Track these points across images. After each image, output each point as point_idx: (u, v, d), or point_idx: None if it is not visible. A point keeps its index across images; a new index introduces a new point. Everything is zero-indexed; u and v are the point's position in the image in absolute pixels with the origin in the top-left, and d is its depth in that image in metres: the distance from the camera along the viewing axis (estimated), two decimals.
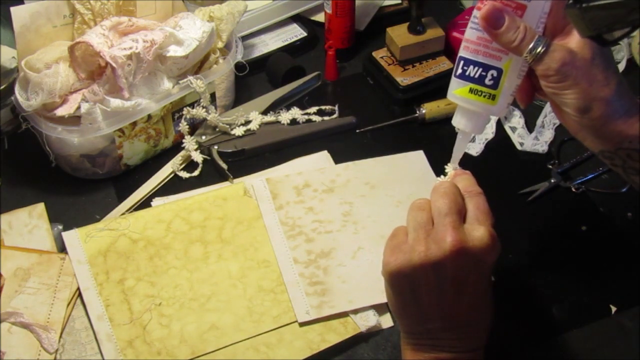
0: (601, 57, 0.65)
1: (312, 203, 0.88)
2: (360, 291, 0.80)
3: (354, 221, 0.87)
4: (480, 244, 0.62)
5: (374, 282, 0.79)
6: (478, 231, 0.63)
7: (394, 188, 0.90)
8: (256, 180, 0.90)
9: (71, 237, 0.84)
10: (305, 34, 1.12)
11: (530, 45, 0.64)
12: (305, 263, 0.83)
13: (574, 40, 0.65)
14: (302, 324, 0.78)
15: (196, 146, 0.95)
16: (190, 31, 0.90)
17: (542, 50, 0.64)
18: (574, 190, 0.89)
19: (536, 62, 0.65)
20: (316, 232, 0.86)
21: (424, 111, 0.99)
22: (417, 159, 0.94)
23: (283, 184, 0.90)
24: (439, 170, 0.74)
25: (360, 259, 0.83)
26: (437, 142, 0.97)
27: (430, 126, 0.99)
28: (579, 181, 0.90)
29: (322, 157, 0.95)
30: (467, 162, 0.93)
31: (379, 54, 1.06)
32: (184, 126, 0.94)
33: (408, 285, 0.64)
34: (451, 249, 0.61)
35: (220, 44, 0.96)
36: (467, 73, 0.67)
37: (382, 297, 0.77)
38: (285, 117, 0.99)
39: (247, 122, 0.98)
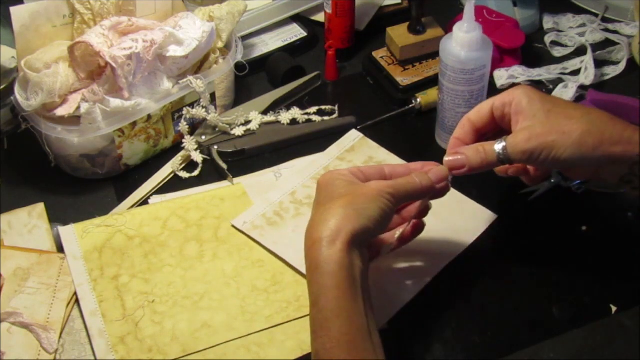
0: (552, 111, 0.72)
1: None
2: (293, 247, 0.82)
3: None
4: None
5: None
6: None
7: (429, 220, 0.85)
8: (353, 131, 0.98)
9: (67, 232, 0.85)
10: (305, 34, 1.12)
11: (497, 149, 0.72)
12: (294, 199, 0.88)
13: (522, 119, 0.73)
14: (234, 226, 0.85)
15: (196, 146, 0.95)
16: (190, 31, 0.90)
17: (504, 148, 0.72)
18: (574, 190, 0.89)
19: (508, 158, 0.73)
20: None
21: (419, 100, 0.99)
22: (483, 220, 0.88)
23: (368, 147, 0.94)
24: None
25: None
26: (433, 132, 0.98)
27: (427, 115, 1.00)
28: (579, 181, 0.89)
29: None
30: None
31: (379, 54, 1.06)
32: (183, 126, 0.94)
33: None
34: None
35: (220, 44, 0.97)
36: None
37: None
38: (285, 117, 0.99)
39: (247, 122, 0.98)
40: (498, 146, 0.72)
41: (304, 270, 0.73)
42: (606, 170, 0.75)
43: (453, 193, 0.88)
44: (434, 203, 0.86)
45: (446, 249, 0.83)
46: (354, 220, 0.66)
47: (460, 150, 0.74)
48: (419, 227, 0.77)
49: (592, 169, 0.76)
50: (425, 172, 0.73)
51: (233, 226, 0.85)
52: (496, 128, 0.77)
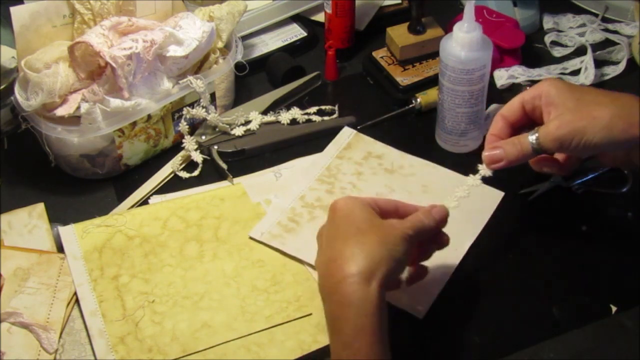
0: (581, 99, 0.73)
1: (366, 171, 0.92)
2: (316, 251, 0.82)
3: None
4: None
5: None
6: None
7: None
8: (346, 128, 0.98)
9: (67, 232, 0.85)
10: (305, 34, 1.12)
11: (530, 140, 0.74)
12: (305, 203, 0.88)
13: (552, 109, 0.75)
14: (252, 238, 0.85)
15: (196, 146, 0.95)
16: (190, 31, 0.90)
17: (537, 138, 0.74)
18: (574, 190, 0.89)
19: (541, 147, 0.75)
20: (341, 191, 0.89)
21: (419, 100, 0.99)
22: (491, 199, 0.89)
23: (364, 142, 0.96)
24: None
25: None
26: (433, 132, 0.98)
27: (427, 115, 1.00)
28: (579, 181, 0.90)
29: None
30: (467, 160, 0.94)
31: (379, 54, 1.06)
32: (183, 126, 0.94)
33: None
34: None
35: (220, 44, 0.97)
36: None
37: None
38: (285, 117, 0.99)
39: (247, 122, 0.98)
40: (532, 137, 0.74)
41: None
42: (637, 154, 0.76)
43: (457, 177, 0.91)
44: (436, 192, 0.88)
45: (463, 233, 0.84)
46: (387, 262, 0.66)
47: (498, 145, 0.77)
48: (422, 272, 0.77)
49: (623, 153, 0.77)
50: (428, 211, 0.72)
51: (251, 238, 0.85)
52: (529, 122, 0.79)
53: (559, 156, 0.81)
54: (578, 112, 0.72)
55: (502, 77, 1.04)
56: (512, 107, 0.79)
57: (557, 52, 1.10)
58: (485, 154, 0.78)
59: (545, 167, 0.80)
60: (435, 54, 1.04)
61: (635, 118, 0.71)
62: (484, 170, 0.78)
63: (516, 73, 1.04)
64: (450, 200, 0.76)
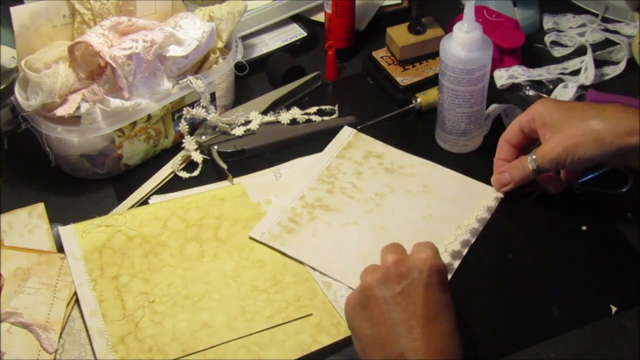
0: (569, 117, 0.79)
1: (366, 170, 0.92)
2: (316, 252, 0.83)
3: (378, 203, 0.88)
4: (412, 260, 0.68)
5: (334, 253, 0.83)
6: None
7: (440, 204, 0.88)
8: (346, 128, 0.98)
9: (67, 232, 0.85)
10: (305, 34, 1.12)
11: (529, 162, 0.82)
12: (305, 203, 0.88)
13: (547, 130, 0.81)
14: (252, 238, 0.85)
15: (196, 146, 0.95)
16: (190, 31, 0.90)
17: (534, 162, 0.82)
18: (574, 190, 0.89)
19: (540, 167, 0.82)
20: (341, 190, 0.89)
21: (419, 100, 0.99)
22: (491, 197, 0.89)
23: (364, 142, 0.96)
24: None
25: (345, 230, 0.85)
26: (433, 132, 0.98)
27: (427, 115, 1.00)
28: (579, 181, 0.90)
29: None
30: (468, 160, 0.94)
31: (379, 54, 1.06)
32: (183, 126, 0.94)
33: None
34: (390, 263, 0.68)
35: (220, 44, 0.97)
36: None
37: (322, 267, 0.82)
38: (285, 117, 0.99)
39: (247, 122, 0.98)
40: (530, 159, 0.83)
41: (334, 276, 0.80)
42: (632, 156, 0.80)
43: (457, 177, 0.92)
44: (436, 191, 0.90)
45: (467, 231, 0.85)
46: None
47: (503, 169, 0.86)
48: None
49: (620, 157, 0.80)
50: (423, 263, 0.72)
51: (251, 238, 0.85)
52: (532, 141, 0.86)
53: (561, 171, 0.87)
54: (568, 130, 0.78)
55: (502, 77, 1.04)
56: (512, 132, 0.86)
57: (557, 52, 1.10)
58: (493, 178, 0.87)
59: (550, 186, 0.86)
60: (435, 54, 1.04)
61: (620, 127, 0.76)
62: (495, 193, 0.87)
63: (516, 73, 1.04)
64: (468, 219, 0.84)
